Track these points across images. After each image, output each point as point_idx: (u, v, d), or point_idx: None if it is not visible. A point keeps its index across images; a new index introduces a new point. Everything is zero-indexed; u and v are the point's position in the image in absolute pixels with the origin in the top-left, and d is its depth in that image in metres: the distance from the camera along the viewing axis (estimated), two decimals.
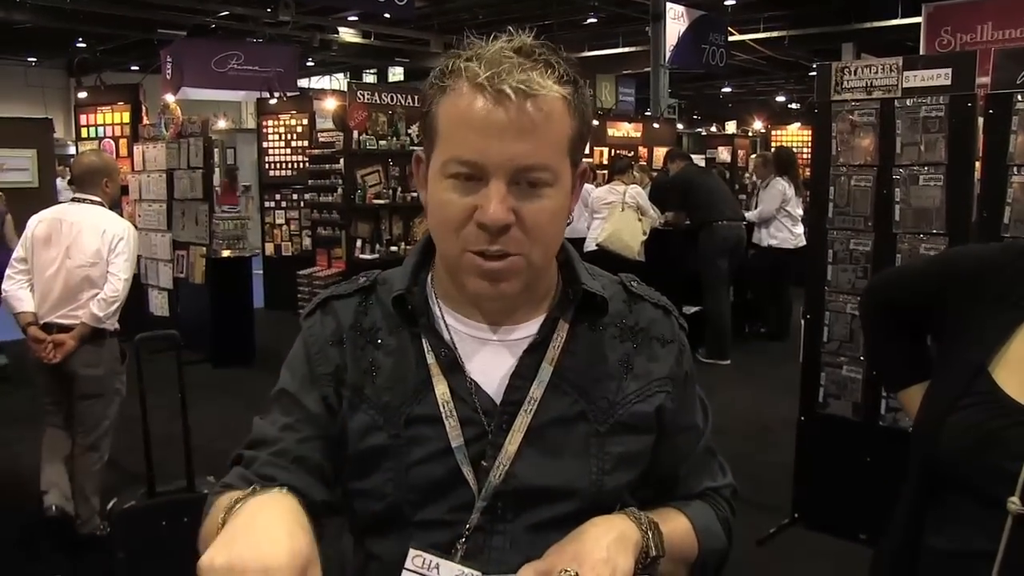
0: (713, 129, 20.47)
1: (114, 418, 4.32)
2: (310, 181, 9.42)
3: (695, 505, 1.30)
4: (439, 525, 1.15)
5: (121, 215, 4.72)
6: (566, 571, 1.03)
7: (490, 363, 1.20)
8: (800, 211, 8.48)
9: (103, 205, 4.32)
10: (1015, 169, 3.57)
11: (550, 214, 1.10)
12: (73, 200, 4.34)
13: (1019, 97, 3.55)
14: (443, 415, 1.16)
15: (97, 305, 4.10)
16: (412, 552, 1.14)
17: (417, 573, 1.13)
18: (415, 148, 1.21)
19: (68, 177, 4.43)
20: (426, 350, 1.19)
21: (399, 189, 8.13)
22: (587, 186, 9.06)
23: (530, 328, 1.21)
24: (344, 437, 1.21)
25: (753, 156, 13.76)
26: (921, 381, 1.52)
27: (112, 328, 4.23)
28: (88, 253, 4.15)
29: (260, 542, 0.90)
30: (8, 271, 4.23)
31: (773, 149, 10.44)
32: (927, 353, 1.55)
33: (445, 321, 1.22)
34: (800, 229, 8.40)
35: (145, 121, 9.38)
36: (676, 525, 1.22)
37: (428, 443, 1.16)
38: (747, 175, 13.86)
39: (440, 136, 1.10)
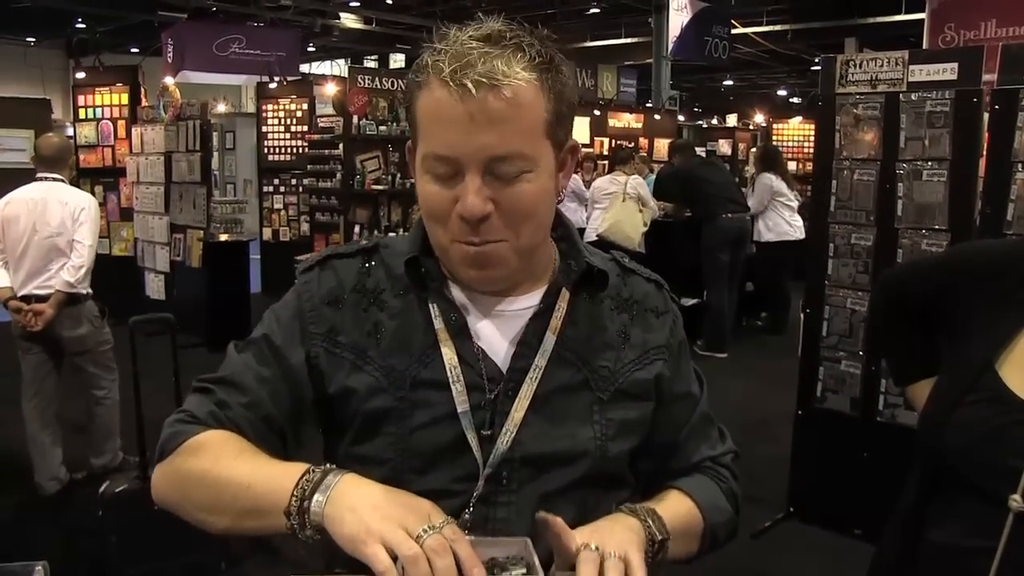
0: (714, 122, 20.43)
1: (114, 366, 4.70)
2: (309, 166, 9.37)
3: (697, 481, 1.33)
4: (442, 495, 1.14)
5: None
6: (588, 546, 1.03)
7: (494, 332, 1.22)
8: (795, 201, 8.53)
9: (64, 181, 4.64)
10: (1019, 166, 3.54)
11: (531, 198, 1.12)
12: (38, 179, 4.60)
13: None
14: (450, 380, 1.17)
15: (67, 272, 4.40)
16: None
17: None
18: None
19: (34, 159, 4.70)
20: (434, 315, 1.21)
21: (398, 175, 8.09)
22: (576, 178, 9.06)
23: (532, 299, 1.23)
24: (341, 400, 1.21)
25: (753, 149, 13.76)
26: (929, 376, 1.52)
27: (86, 291, 4.52)
28: (53, 225, 4.43)
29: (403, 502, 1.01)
30: None
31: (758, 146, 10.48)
32: (937, 348, 1.54)
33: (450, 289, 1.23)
34: (798, 218, 8.45)
35: (144, 103, 9.33)
36: (677, 507, 1.25)
37: (433, 407, 1.17)
38: (746, 168, 13.85)
39: (419, 131, 1.14)
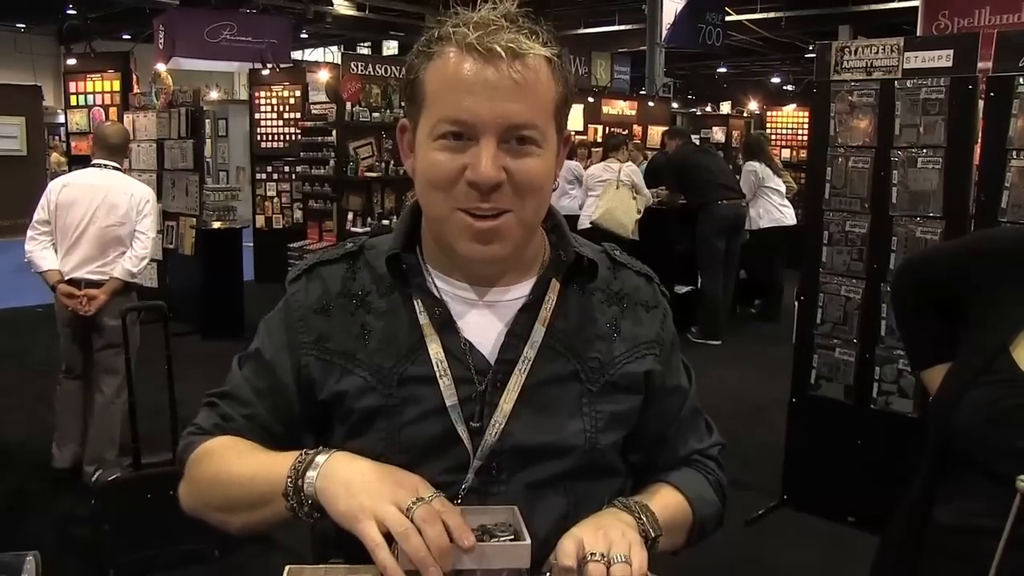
0: (708, 109, 20.40)
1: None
2: (302, 153, 9.36)
3: (685, 474, 1.33)
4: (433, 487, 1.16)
5: None
6: (594, 555, 1.04)
7: (482, 324, 1.22)
8: (783, 186, 8.61)
9: (121, 170, 4.71)
10: (1014, 153, 3.54)
11: (539, 172, 1.13)
12: (94, 166, 4.64)
13: (1020, 80, 3.51)
14: (437, 374, 1.18)
15: (130, 261, 4.48)
16: None
17: None
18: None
19: (94, 145, 4.72)
20: (419, 310, 1.21)
21: (392, 162, 8.08)
22: (570, 162, 9.06)
23: (521, 290, 1.23)
24: (333, 403, 1.22)
25: None
26: (945, 361, 1.52)
27: (139, 283, 4.65)
28: (119, 214, 4.48)
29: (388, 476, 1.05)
30: (30, 232, 4.46)
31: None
32: (953, 333, 1.55)
33: (436, 284, 1.23)
34: (787, 204, 8.54)
35: (136, 90, 9.29)
36: (667, 501, 1.26)
37: (422, 402, 1.18)
38: (739, 156, 13.87)
39: (428, 100, 1.12)
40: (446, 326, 1.20)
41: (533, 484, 1.18)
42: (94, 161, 4.67)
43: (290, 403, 1.24)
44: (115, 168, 4.64)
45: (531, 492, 1.18)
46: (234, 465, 1.17)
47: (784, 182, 8.71)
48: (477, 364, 1.19)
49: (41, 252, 4.43)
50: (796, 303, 4.38)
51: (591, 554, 1.04)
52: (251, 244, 10.49)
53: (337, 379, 1.21)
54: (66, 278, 4.40)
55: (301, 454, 1.09)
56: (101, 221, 4.44)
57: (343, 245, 1.30)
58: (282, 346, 1.25)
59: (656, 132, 13.26)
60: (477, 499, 1.16)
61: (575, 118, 12.84)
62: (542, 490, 1.19)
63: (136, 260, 4.48)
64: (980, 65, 3.78)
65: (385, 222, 8.01)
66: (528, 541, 1.02)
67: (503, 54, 1.07)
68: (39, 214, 4.45)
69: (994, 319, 1.39)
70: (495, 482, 1.17)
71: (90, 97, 9.52)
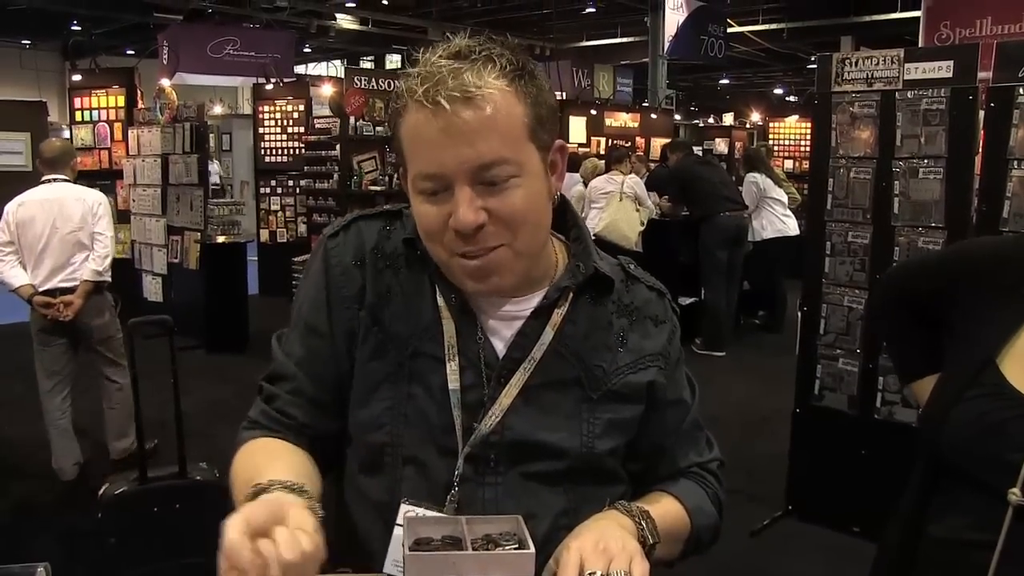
0: (710, 120, 20.43)
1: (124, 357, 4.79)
2: (306, 167, 9.39)
3: (684, 485, 1.35)
4: (430, 470, 1.20)
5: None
6: (594, 574, 1.04)
7: (494, 320, 1.24)
8: (785, 197, 8.64)
9: (70, 181, 4.89)
10: (1015, 163, 3.55)
11: (523, 202, 1.13)
12: (44, 181, 4.83)
13: (1020, 90, 3.53)
14: (447, 357, 1.21)
15: (95, 262, 4.70)
16: (404, 507, 1.18)
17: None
18: None
19: (39, 164, 4.88)
20: (438, 292, 1.24)
21: (395, 176, 8.09)
22: (572, 175, 9.06)
23: (535, 300, 1.25)
24: (356, 359, 1.25)
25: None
26: (934, 373, 1.51)
27: (108, 281, 4.83)
28: (75, 220, 4.70)
29: None
30: None
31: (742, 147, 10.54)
32: (940, 345, 1.53)
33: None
34: (790, 214, 8.56)
35: (140, 105, 9.33)
36: (667, 509, 1.27)
37: (427, 380, 1.22)
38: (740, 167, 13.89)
39: (405, 155, 1.16)
40: (463, 313, 1.23)
41: (529, 478, 1.21)
42: (43, 178, 4.84)
43: (333, 368, 1.26)
44: (64, 180, 4.83)
45: (527, 486, 1.21)
46: (240, 474, 1.17)
47: (787, 193, 8.73)
48: (486, 356, 1.22)
49: (11, 271, 4.60)
50: (799, 314, 4.38)
51: (590, 574, 1.04)
52: (255, 258, 10.50)
53: (364, 336, 1.24)
54: (39, 290, 4.59)
55: (255, 485, 1.04)
56: (61, 230, 4.65)
57: (382, 205, 1.34)
58: (323, 303, 1.27)
59: (659, 144, 13.29)
60: (473, 488, 1.20)
61: (577, 131, 12.87)
62: (539, 485, 1.22)
63: (100, 260, 4.71)
64: (980, 75, 3.80)
65: None
66: (532, 550, 1.03)
67: (447, 105, 1.07)
68: (1, 236, 4.61)
69: (979, 330, 1.38)
70: (492, 472, 1.20)
71: (95, 113, 9.55)
